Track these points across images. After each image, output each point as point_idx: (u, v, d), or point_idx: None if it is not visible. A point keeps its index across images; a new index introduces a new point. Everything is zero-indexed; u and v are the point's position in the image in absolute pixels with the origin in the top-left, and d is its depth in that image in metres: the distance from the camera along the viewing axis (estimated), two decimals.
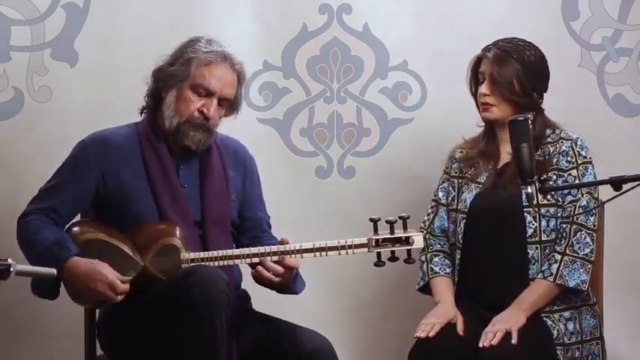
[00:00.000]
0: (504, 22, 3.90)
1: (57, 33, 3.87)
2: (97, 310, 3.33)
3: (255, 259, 3.15)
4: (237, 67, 3.27)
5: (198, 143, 3.24)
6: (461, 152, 3.54)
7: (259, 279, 3.18)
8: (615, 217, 3.66)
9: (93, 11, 3.87)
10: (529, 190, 2.85)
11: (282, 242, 3.17)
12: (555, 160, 3.36)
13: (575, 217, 3.30)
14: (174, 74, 3.23)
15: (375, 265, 3.17)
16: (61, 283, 3.12)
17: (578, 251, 3.30)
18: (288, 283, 3.22)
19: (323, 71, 3.96)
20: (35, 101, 3.86)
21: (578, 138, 3.39)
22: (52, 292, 3.15)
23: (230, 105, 3.29)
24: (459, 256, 3.42)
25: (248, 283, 3.39)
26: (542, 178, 2.90)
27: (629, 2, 3.98)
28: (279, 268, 3.15)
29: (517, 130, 2.90)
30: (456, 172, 3.52)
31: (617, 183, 2.75)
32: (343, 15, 3.95)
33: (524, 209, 3.31)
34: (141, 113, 3.34)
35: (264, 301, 3.42)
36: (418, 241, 3.16)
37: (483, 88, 3.41)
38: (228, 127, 3.44)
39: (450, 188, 3.51)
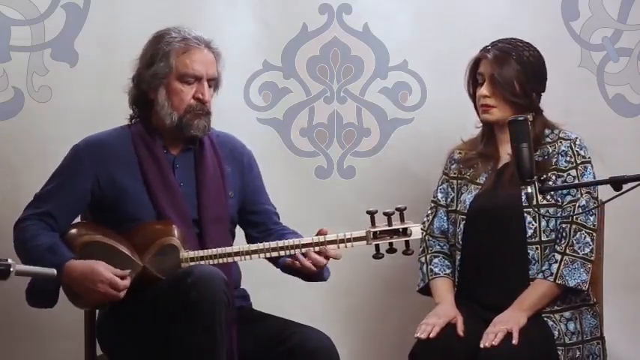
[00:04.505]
0: (504, 22, 3.90)
1: (57, 33, 3.87)
2: (97, 311, 3.33)
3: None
4: (212, 46, 3.29)
5: (204, 129, 3.25)
6: (459, 153, 3.53)
7: (293, 268, 3.18)
8: (615, 217, 3.65)
9: (93, 11, 3.87)
10: (529, 190, 2.85)
11: (321, 232, 3.17)
12: (554, 160, 3.36)
13: (574, 217, 3.30)
14: (157, 72, 3.23)
15: (374, 257, 3.16)
16: (59, 290, 3.12)
17: (578, 251, 3.30)
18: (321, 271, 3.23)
19: (323, 71, 3.96)
20: (35, 101, 3.87)
21: (577, 138, 3.38)
22: (50, 300, 3.14)
23: (216, 84, 3.31)
24: (458, 257, 3.42)
25: (247, 282, 3.39)
26: (541, 178, 2.90)
27: (629, 2, 3.98)
28: (322, 260, 3.16)
29: (517, 130, 2.90)
30: (454, 174, 3.51)
31: (617, 183, 2.75)
32: (343, 15, 3.95)
33: (524, 210, 3.31)
34: (131, 121, 3.33)
35: (264, 300, 3.43)
36: (416, 231, 3.15)
37: (483, 90, 3.40)
38: (228, 128, 3.44)
39: (449, 189, 3.51)
